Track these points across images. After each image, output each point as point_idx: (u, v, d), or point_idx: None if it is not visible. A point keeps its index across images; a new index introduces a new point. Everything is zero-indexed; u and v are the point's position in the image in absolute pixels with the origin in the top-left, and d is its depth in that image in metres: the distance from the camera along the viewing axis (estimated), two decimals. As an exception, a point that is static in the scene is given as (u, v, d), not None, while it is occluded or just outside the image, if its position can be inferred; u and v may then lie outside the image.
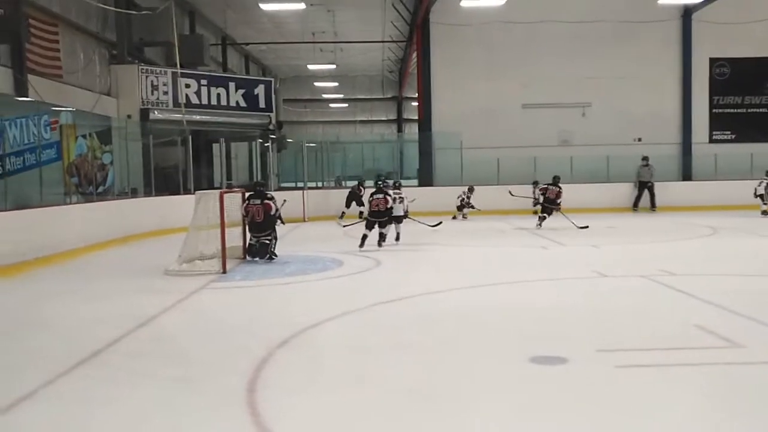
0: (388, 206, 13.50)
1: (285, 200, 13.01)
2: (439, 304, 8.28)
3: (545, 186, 17.62)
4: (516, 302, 8.30)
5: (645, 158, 22.76)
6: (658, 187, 22.69)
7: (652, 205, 22.63)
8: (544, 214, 17.39)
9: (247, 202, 12.03)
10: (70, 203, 14.71)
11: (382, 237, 13.62)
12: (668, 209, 21.77)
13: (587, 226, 16.59)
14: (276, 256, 11.96)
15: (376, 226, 13.57)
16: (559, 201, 17.25)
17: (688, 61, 24.70)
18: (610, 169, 22.97)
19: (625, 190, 22.79)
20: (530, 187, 20.56)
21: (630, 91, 24.50)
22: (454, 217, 20.40)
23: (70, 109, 15.99)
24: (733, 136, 25.06)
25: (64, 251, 12.45)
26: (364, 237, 13.42)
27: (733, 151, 23.77)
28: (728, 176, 23.00)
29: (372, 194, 13.77)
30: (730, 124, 25.18)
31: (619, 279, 9.72)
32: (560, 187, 17.41)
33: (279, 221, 12.24)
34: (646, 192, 22.76)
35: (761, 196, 19.42)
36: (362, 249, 13.14)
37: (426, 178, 24.10)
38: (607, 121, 24.32)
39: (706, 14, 23.84)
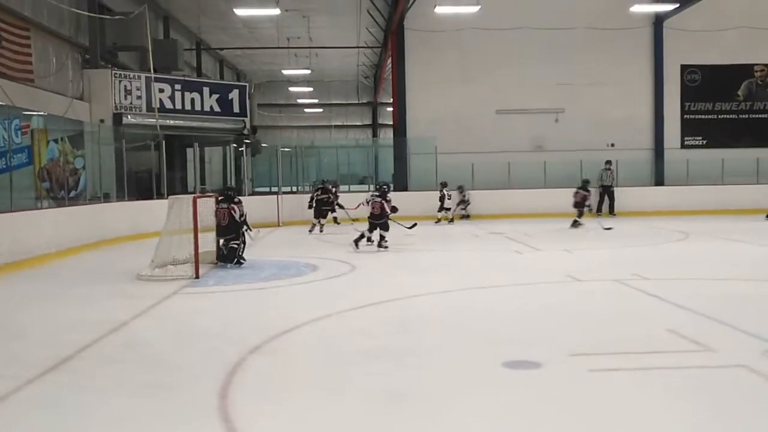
0: (385, 211, 13.85)
1: (258, 230, 13.16)
2: (414, 308, 8.28)
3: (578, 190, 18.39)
4: (490, 306, 8.33)
5: (608, 162, 22.97)
6: (631, 192, 22.92)
7: (611, 210, 22.73)
8: (576, 218, 18.28)
9: (217, 206, 12.00)
10: (42, 208, 14.53)
11: (382, 239, 13.97)
12: (641, 214, 21.97)
13: (611, 228, 17.23)
14: (244, 260, 11.88)
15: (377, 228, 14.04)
16: (586, 204, 18.05)
17: (659, 67, 24.98)
18: (583, 174, 23.11)
19: (597, 195, 22.96)
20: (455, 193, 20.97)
21: (603, 97, 24.72)
22: (438, 221, 20.31)
23: (42, 113, 15.81)
24: (704, 142, 25.37)
25: (36, 256, 12.31)
26: (361, 237, 13.96)
27: (704, 157, 24.07)
28: (700, 181, 23.29)
29: (372, 198, 14.23)
30: (702, 130, 25.48)
31: (592, 283, 9.78)
32: (588, 191, 18.17)
33: (246, 227, 12.07)
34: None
35: None
36: (357, 250, 13.67)
37: (401, 183, 24.13)
38: (581, 127, 24.51)
39: (676, 22, 24.13)
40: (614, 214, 22.51)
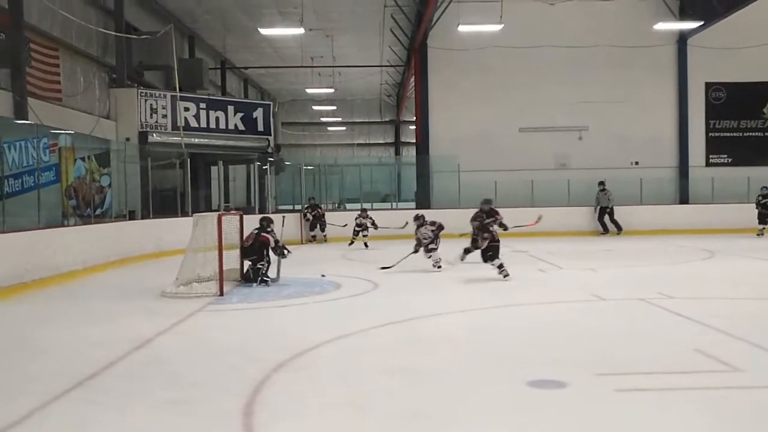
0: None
1: (284, 216, 13.27)
2: (437, 327, 8.26)
3: None
4: (514, 325, 8.29)
5: (601, 183, 22.48)
6: (655, 210, 22.75)
7: (618, 228, 21.98)
8: None
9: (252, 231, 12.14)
10: (68, 225, 14.68)
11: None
12: (665, 232, 21.76)
13: None
14: (268, 278, 11.87)
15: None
16: None
17: (684, 85, 24.86)
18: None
19: (622, 214, 22.65)
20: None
21: (626, 115, 24.64)
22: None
23: (69, 132, 16.02)
24: (730, 160, 25.18)
25: (62, 273, 12.42)
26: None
27: (729, 175, 23.87)
28: (725, 200, 23.07)
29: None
30: (727, 148, 25.29)
31: (618, 302, 9.70)
32: None
33: (282, 250, 12.18)
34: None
35: None
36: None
37: (423, 201, 24.13)
38: (604, 145, 24.42)
39: (701, 39, 24.01)
40: (620, 232, 21.91)
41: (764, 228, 20.16)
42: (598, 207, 22.37)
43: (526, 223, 13.92)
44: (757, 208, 20.28)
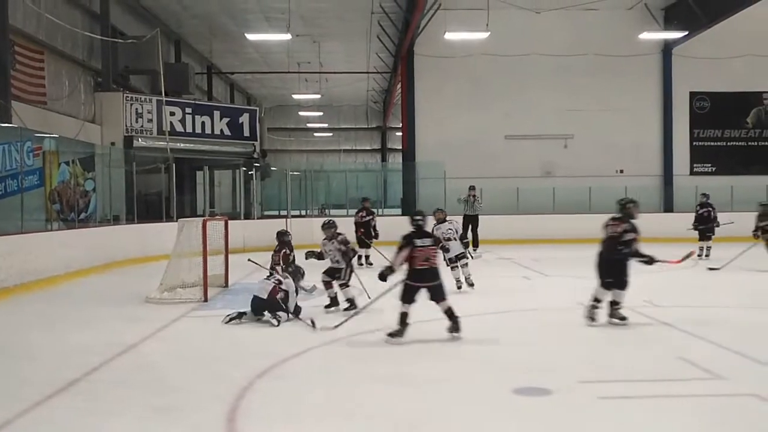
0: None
1: (315, 285, 11.00)
2: (422, 334, 8.24)
3: None
4: (499, 333, 8.30)
5: (471, 187, 19.26)
6: (641, 218, 22.72)
7: (475, 245, 18.49)
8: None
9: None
10: (52, 230, 14.59)
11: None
12: (650, 240, 21.73)
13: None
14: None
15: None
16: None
17: (668, 94, 25.05)
18: (592, 200, 23.10)
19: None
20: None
21: (612, 123, 24.77)
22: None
23: (54, 135, 15.93)
24: (714, 169, 25.37)
25: (46, 278, 12.33)
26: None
27: (713, 184, 23.96)
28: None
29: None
30: (711, 157, 25.51)
31: (603, 310, 9.72)
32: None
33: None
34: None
35: None
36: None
37: (410, 208, 24.11)
38: (590, 153, 24.53)
39: (686, 49, 24.22)
40: (475, 249, 18.30)
41: (706, 246, 18.25)
42: (463, 215, 18.55)
43: (670, 260, 10.34)
44: (694, 225, 18.42)
